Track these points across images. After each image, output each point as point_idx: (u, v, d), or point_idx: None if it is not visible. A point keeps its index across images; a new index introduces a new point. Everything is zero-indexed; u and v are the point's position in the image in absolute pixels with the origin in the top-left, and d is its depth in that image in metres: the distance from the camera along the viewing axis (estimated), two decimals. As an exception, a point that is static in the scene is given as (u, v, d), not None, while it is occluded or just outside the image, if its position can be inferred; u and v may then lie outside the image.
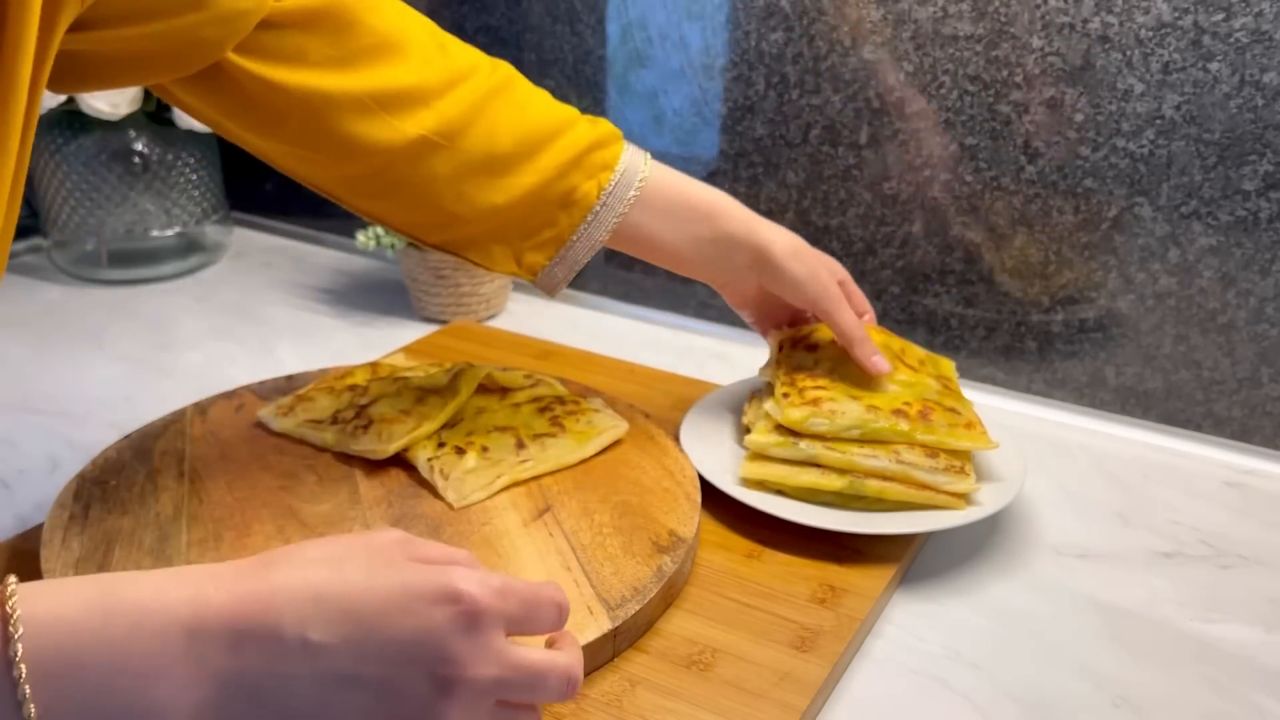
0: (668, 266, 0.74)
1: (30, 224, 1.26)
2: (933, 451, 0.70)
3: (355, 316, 1.10)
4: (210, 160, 1.21)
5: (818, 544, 0.68)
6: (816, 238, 0.99)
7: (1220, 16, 0.77)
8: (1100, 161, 0.84)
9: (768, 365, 0.79)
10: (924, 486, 0.69)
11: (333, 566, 0.41)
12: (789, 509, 0.68)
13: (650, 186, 0.70)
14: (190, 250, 1.23)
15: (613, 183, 0.69)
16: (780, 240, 0.72)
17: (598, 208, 0.68)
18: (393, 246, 1.07)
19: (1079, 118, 0.84)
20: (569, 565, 0.62)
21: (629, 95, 1.06)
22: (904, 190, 0.94)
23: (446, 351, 0.98)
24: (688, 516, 0.67)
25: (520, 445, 0.72)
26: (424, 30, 0.66)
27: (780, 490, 0.71)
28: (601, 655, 0.56)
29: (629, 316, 1.12)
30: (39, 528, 0.67)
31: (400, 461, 0.72)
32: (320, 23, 0.61)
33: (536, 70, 1.10)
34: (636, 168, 0.70)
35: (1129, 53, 0.81)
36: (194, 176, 1.19)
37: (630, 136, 1.08)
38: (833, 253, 0.99)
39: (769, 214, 1.01)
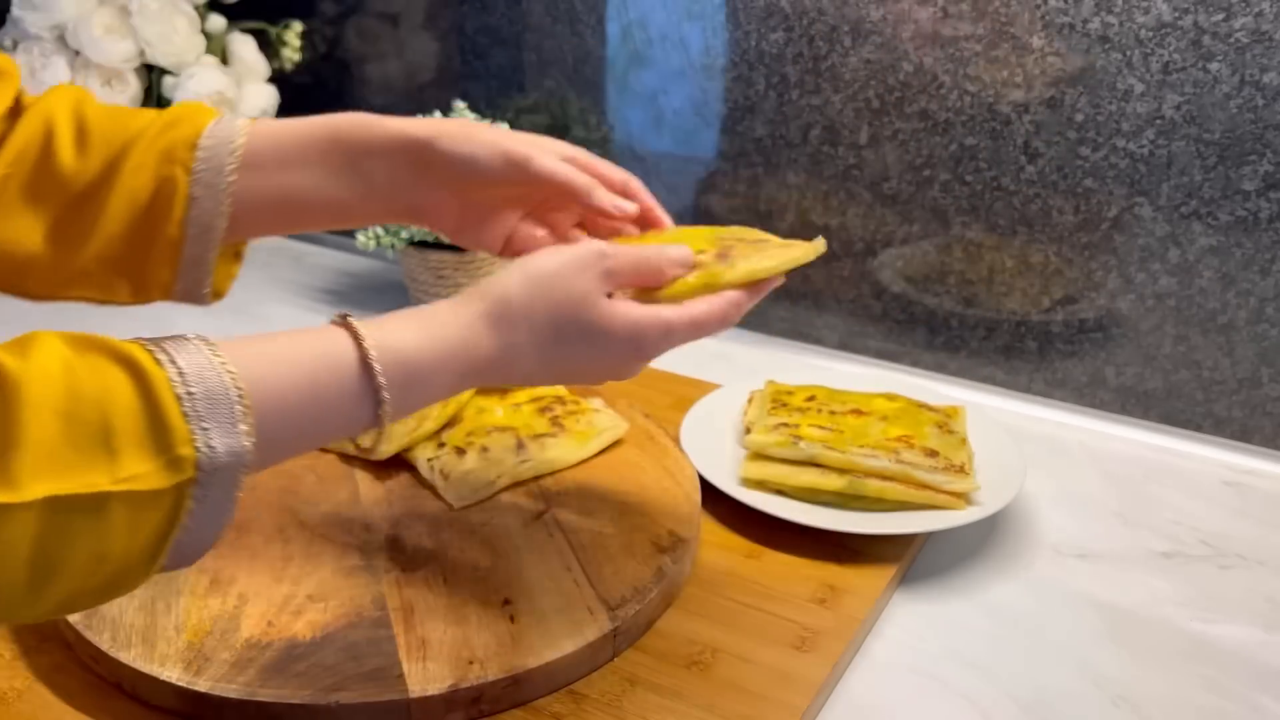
0: (335, 224, 0.63)
1: (30, 224, 1.26)
2: (932, 451, 0.70)
3: (355, 316, 1.09)
4: (210, 160, 1.21)
5: (818, 544, 0.68)
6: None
7: (1220, 16, 0.77)
8: (1100, 161, 0.84)
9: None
10: (924, 486, 0.69)
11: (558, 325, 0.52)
12: (789, 509, 0.68)
13: (254, 146, 0.58)
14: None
15: (202, 160, 0.57)
16: (444, 125, 0.60)
17: (195, 193, 0.57)
18: (393, 246, 1.07)
19: (1079, 118, 0.84)
20: (569, 565, 0.62)
21: (629, 95, 1.06)
22: (904, 190, 0.94)
23: (446, 351, 0.98)
24: (688, 516, 0.67)
25: (520, 445, 0.72)
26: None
27: (780, 490, 0.71)
28: (601, 655, 0.56)
29: (629, 316, 1.11)
30: (39, 528, 0.67)
31: (400, 461, 0.72)
32: None
33: (537, 70, 1.10)
34: (230, 135, 0.58)
35: (1129, 53, 0.81)
36: (194, 176, 1.19)
37: (630, 136, 1.08)
38: (832, 253, 0.99)
39: (769, 214, 1.01)
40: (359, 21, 1.22)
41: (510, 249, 0.64)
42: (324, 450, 0.74)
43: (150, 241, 0.58)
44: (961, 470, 0.69)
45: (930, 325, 0.97)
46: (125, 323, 1.06)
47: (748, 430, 0.76)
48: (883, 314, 0.98)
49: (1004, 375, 0.95)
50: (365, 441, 0.72)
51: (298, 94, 1.24)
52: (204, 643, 0.55)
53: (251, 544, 0.63)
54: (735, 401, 0.83)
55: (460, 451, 0.71)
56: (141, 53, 1.04)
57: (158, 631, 0.55)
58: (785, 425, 0.73)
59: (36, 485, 0.37)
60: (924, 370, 0.98)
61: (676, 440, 0.76)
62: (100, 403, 0.40)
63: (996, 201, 0.90)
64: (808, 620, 0.61)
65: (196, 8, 1.09)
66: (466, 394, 0.78)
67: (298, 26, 1.18)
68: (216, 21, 1.11)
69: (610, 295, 0.53)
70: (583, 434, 0.74)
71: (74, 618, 0.56)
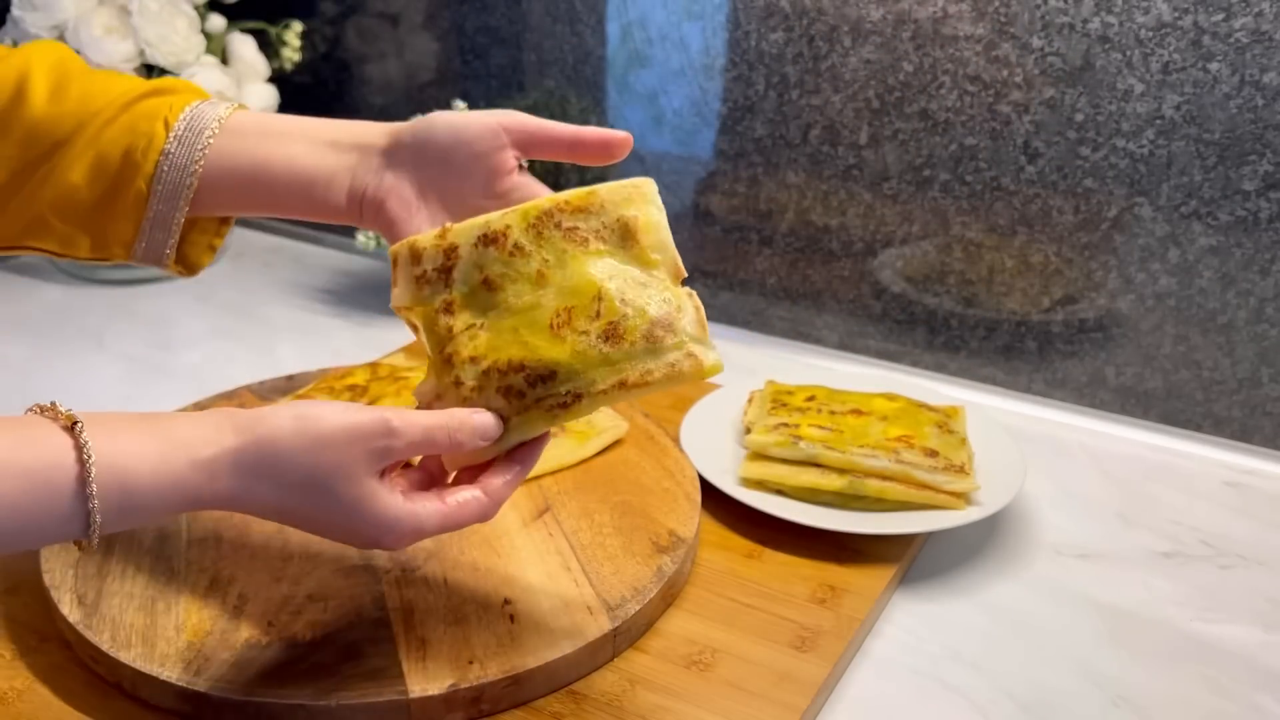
0: (304, 210, 0.59)
1: (30, 224, 1.26)
2: (932, 451, 0.70)
3: (355, 316, 1.09)
4: (210, 160, 1.21)
5: (818, 544, 0.68)
6: (816, 237, 0.99)
7: (1220, 16, 0.77)
8: (1100, 161, 0.84)
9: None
10: (924, 486, 0.69)
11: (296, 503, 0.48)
12: (789, 509, 0.68)
13: (241, 116, 0.59)
14: (190, 250, 1.23)
15: (184, 120, 0.57)
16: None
17: (169, 149, 0.56)
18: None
19: (1079, 118, 0.84)
20: (569, 565, 0.62)
21: (629, 95, 1.06)
22: (904, 190, 0.94)
23: (446, 351, 0.98)
24: (688, 516, 0.67)
25: (520, 445, 0.72)
26: None
27: (780, 490, 0.71)
28: (601, 655, 0.56)
29: (629, 316, 1.12)
30: (39, 528, 0.67)
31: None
32: None
33: (537, 70, 1.10)
34: (215, 110, 0.58)
35: (1129, 53, 0.81)
36: (194, 176, 1.19)
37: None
38: (832, 253, 0.99)
39: (769, 214, 1.01)
40: (359, 21, 1.22)
41: None
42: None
43: (115, 195, 0.57)
44: (961, 470, 0.69)
45: (930, 325, 0.97)
46: (125, 322, 1.05)
47: (748, 430, 0.76)
48: (883, 314, 0.98)
49: (1004, 375, 0.95)
50: None
51: (298, 94, 1.24)
52: (204, 643, 0.55)
53: (251, 544, 0.63)
54: (735, 401, 0.83)
55: (460, 451, 0.71)
56: (141, 53, 1.04)
57: (158, 631, 0.55)
58: (785, 425, 0.73)
59: None
60: (924, 370, 0.98)
61: (676, 440, 0.76)
62: None
63: (996, 201, 0.90)
64: (808, 620, 0.61)
65: (196, 8, 1.09)
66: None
67: (298, 26, 1.18)
68: (216, 21, 1.11)
69: (383, 474, 0.48)
70: (582, 434, 0.74)
71: (74, 618, 0.56)
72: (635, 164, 1.07)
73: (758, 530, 0.69)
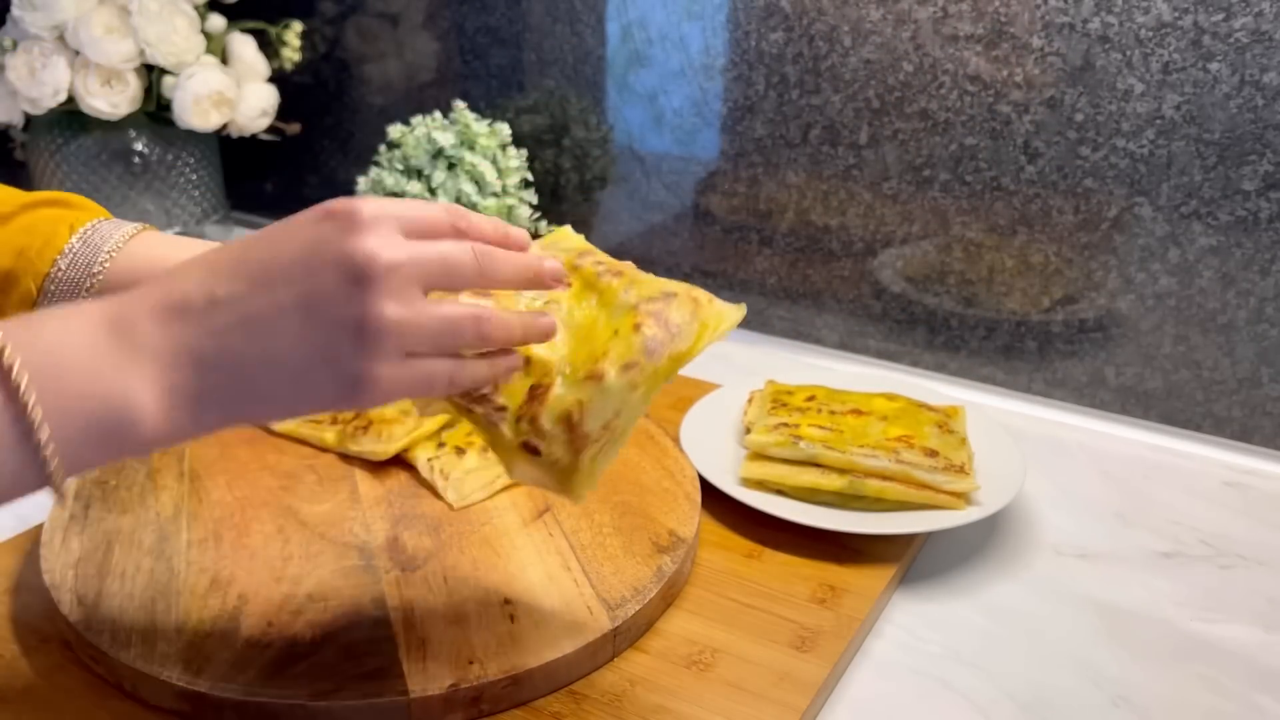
0: None
1: (30, 224, 1.26)
2: (932, 451, 0.70)
3: None
4: (210, 160, 1.21)
5: (818, 544, 0.68)
6: (816, 237, 0.99)
7: (1220, 16, 0.77)
8: (1100, 161, 0.84)
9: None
10: (924, 486, 0.69)
11: (228, 246, 0.43)
12: (789, 509, 0.68)
13: (147, 236, 0.55)
14: (190, 250, 1.23)
15: (89, 229, 0.54)
16: None
17: (73, 245, 0.53)
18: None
19: (1079, 118, 0.84)
20: (569, 565, 0.62)
21: (629, 95, 1.06)
22: (904, 190, 0.94)
23: (446, 351, 0.98)
24: (688, 516, 0.67)
25: (520, 445, 0.72)
26: None
27: (780, 490, 0.71)
28: (601, 655, 0.56)
29: (629, 316, 1.11)
30: (39, 528, 0.67)
31: (400, 461, 0.72)
32: None
33: (537, 70, 1.10)
34: (120, 227, 0.55)
35: (1129, 53, 0.81)
36: (194, 176, 1.19)
37: (630, 136, 1.08)
38: (832, 253, 0.99)
39: (769, 214, 1.01)
40: (359, 21, 1.22)
41: None
42: (323, 449, 0.74)
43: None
44: (961, 470, 0.69)
45: (930, 325, 0.97)
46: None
47: (748, 430, 0.76)
48: (883, 314, 0.98)
49: (1004, 375, 0.95)
50: (366, 443, 0.72)
51: (298, 94, 1.24)
52: (204, 643, 0.55)
53: (251, 544, 0.63)
54: (735, 401, 0.83)
55: (460, 451, 0.71)
56: (141, 53, 1.04)
57: (158, 631, 0.55)
58: (785, 425, 0.73)
59: None
60: (924, 370, 0.98)
61: (676, 440, 0.76)
62: None
63: (996, 201, 0.90)
64: (808, 620, 0.61)
65: (196, 8, 1.09)
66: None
67: (298, 26, 1.18)
68: (216, 21, 1.11)
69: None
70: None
71: (74, 618, 0.56)
72: (636, 164, 1.07)
73: (758, 530, 0.69)
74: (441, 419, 0.74)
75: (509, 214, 1.01)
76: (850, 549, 0.67)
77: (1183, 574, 0.69)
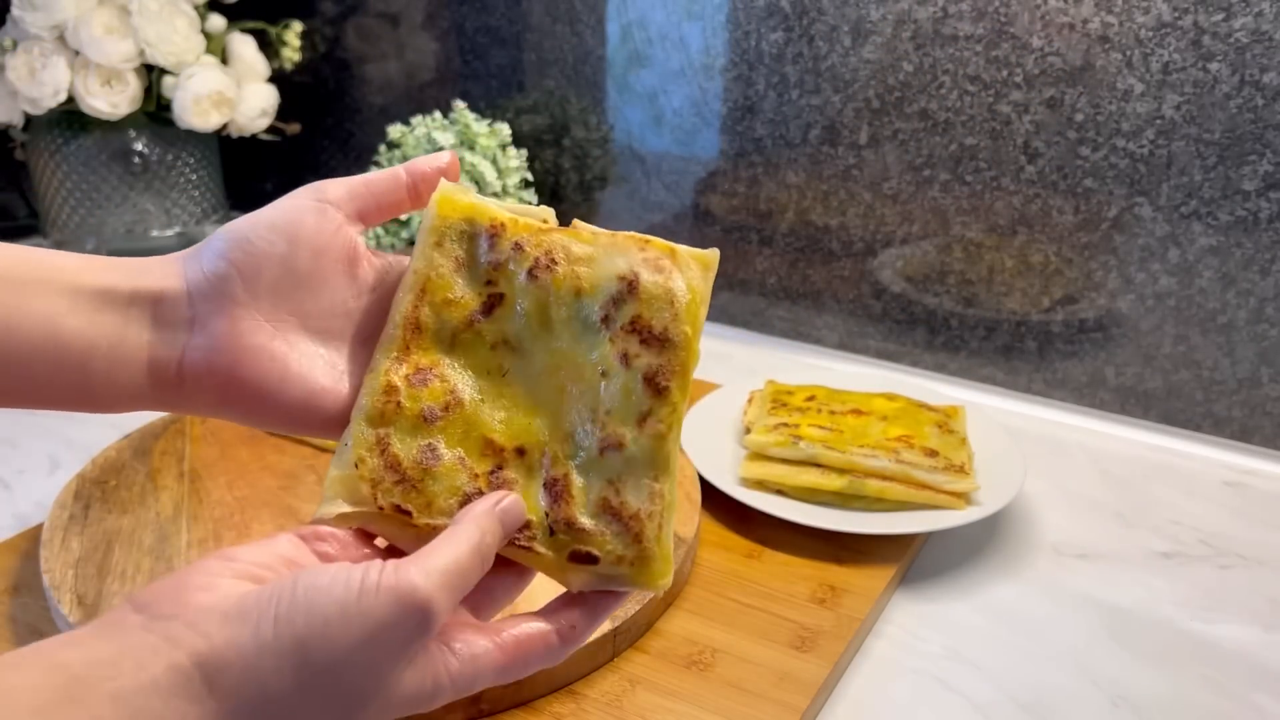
0: (71, 402, 0.40)
1: (30, 224, 1.26)
2: (932, 451, 0.70)
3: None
4: (210, 160, 1.21)
5: (818, 544, 0.68)
6: (816, 237, 0.99)
7: (1220, 16, 0.77)
8: (1100, 161, 0.84)
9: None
10: (924, 486, 0.69)
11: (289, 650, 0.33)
12: (789, 509, 0.68)
13: None
14: (190, 250, 1.23)
15: None
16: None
17: None
18: (392, 246, 1.07)
19: (1079, 118, 0.84)
20: (569, 565, 0.62)
21: (629, 95, 1.06)
22: (904, 190, 0.94)
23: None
24: (688, 516, 0.67)
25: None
26: None
27: (780, 490, 0.71)
28: (601, 655, 0.56)
29: (629, 316, 1.11)
30: (39, 528, 0.67)
31: (400, 461, 0.72)
32: None
33: (537, 70, 1.10)
34: None
35: (1129, 53, 0.81)
36: (194, 176, 1.19)
37: (630, 136, 1.08)
38: (832, 253, 0.99)
39: (769, 214, 1.01)
40: (359, 21, 1.22)
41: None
42: (323, 449, 0.74)
43: None
44: (961, 470, 0.69)
45: (930, 325, 0.97)
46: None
47: (748, 430, 0.76)
48: (883, 314, 0.98)
49: (1004, 375, 0.95)
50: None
51: (298, 94, 1.24)
52: (204, 643, 0.55)
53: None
54: (735, 401, 0.83)
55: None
56: (141, 53, 1.04)
57: (158, 631, 0.55)
58: (785, 425, 0.73)
59: None
60: (924, 370, 0.98)
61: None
62: None
63: (996, 201, 0.90)
64: (808, 620, 0.61)
65: (196, 8, 1.09)
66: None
67: (298, 26, 1.18)
68: (216, 21, 1.11)
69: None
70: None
71: (74, 618, 0.56)
72: (635, 164, 1.07)
73: (758, 530, 0.69)
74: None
75: (509, 214, 1.01)
76: (850, 549, 0.67)
77: (1183, 574, 0.69)
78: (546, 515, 0.39)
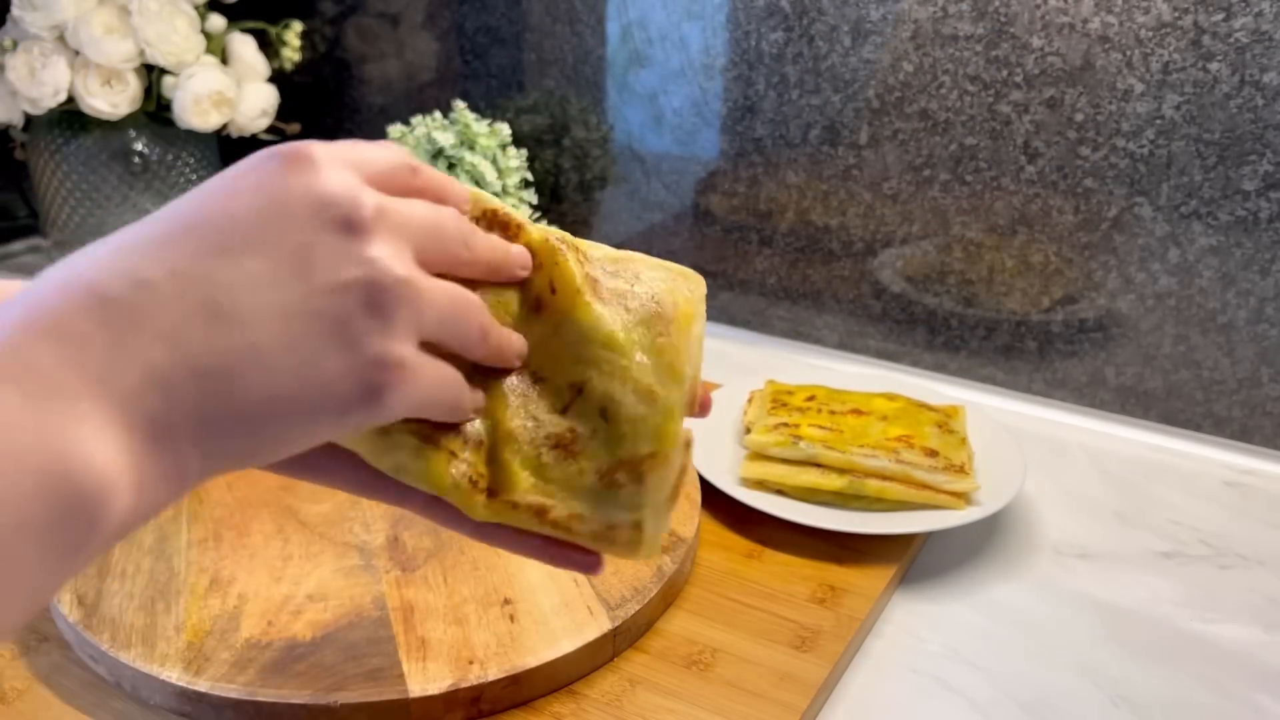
0: None
1: (30, 224, 1.26)
2: (932, 451, 0.70)
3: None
4: (210, 160, 1.21)
5: (818, 544, 0.68)
6: (816, 237, 0.99)
7: (1220, 16, 0.77)
8: (1100, 161, 0.84)
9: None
10: (924, 486, 0.69)
11: (143, 220, 0.31)
12: (789, 509, 0.68)
13: None
14: (190, 250, 1.22)
15: None
16: None
17: None
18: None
19: (1079, 118, 0.84)
20: (569, 565, 0.62)
21: (629, 95, 1.06)
22: (904, 190, 0.94)
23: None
24: (688, 516, 0.67)
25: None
26: None
27: (780, 490, 0.71)
28: (601, 655, 0.56)
29: (629, 316, 1.11)
30: (39, 528, 0.67)
31: (400, 461, 0.72)
32: None
33: (537, 70, 1.10)
34: None
35: (1129, 53, 0.81)
36: (194, 176, 1.19)
37: (630, 136, 1.08)
38: (832, 253, 0.99)
39: (769, 214, 1.01)
40: (359, 21, 1.21)
41: None
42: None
43: None
44: (961, 470, 0.69)
45: (930, 325, 0.97)
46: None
47: (748, 430, 0.76)
48: (883, 314, 0.98)
49: (1004, 375, 0.95)
50: None
51: (298, 94, 1.24)
52: (204, 643, 0.55)
53: (251, 544, 0.63)
54: (735, 401, 0.83)
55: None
56: (141, 53, 1.04)
57: (158, 631, 0.55)
58: (785, 425, 0.73)
59: None
60: (924, 370, 0.98)
61: (676, 440, 0.76)
62: None
63: (996, 201, 0.90)
64: (808, 620, 0.61)
65: (196, 8, 1.09)
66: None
67: (298, 26, 1.18)
68: (216, 21, 1.11)
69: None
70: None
71: (74, 617, 0.56)
72: (636, 164, 1.07)
73: (758, 530, 0.69)
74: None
75: (509, 214, 1.01)
76: (850, 549, 0.67)
77: (1182, 574, 0.69)
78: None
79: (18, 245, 1.24)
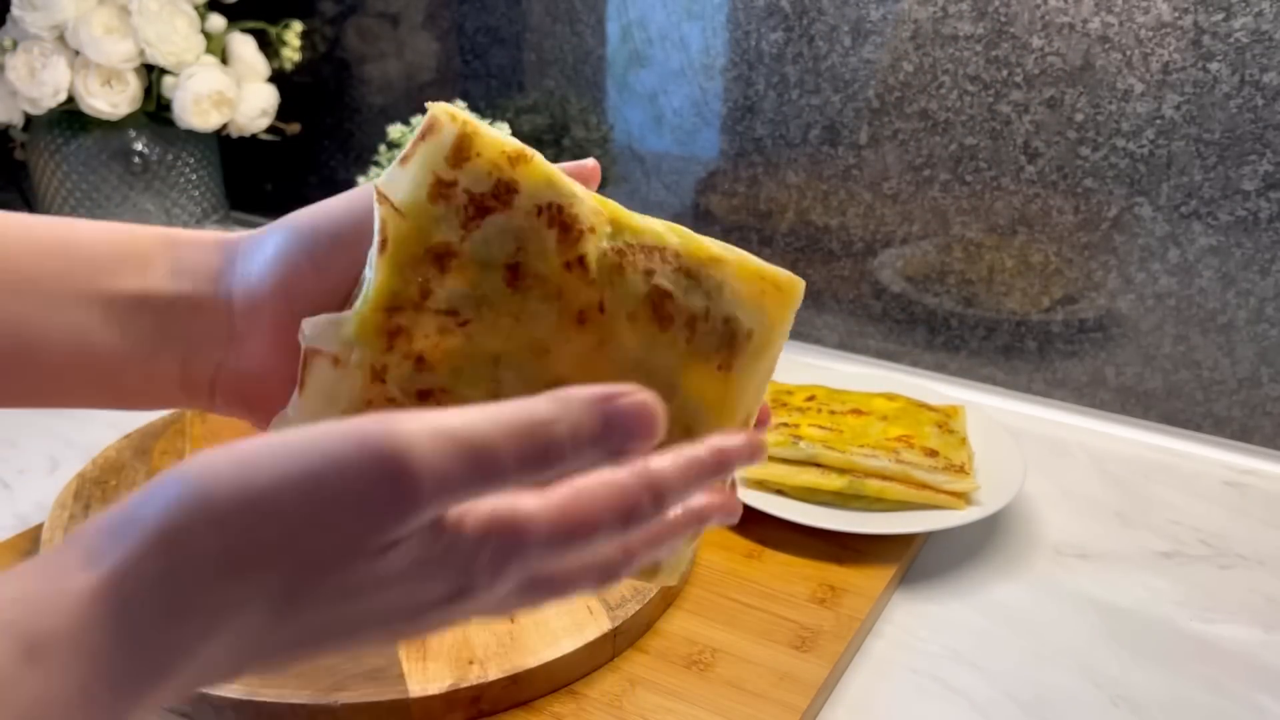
0: (104, 402, 0.39)
1: (30, 224, 1.26)
2: (932, 451, 0.70)
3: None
4: (210, 160, 1.21)
5: (818, 544, 0.68)
6: (816, 237, 0.99)
7: (1220, 16, 0.77)
8: (1100, 161, 0.84)
9: None
10: (924, 486, 0.69)
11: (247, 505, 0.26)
12: (789, 509, 0.68)
13: None
14: (190, 250, 1.22)
15: None
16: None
17: None
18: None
19: (1079, 118, 0.84)
20: (569, 565, 0.62)
21: (629, 95, 1.06)
22: (904, 190, 0.94)
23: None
24: (688, 516, 0.67)
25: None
26: None
27: (780, 490, 0.71)
28: (601, 655, 0.56)
29: (629, 316, 1.11)
30: (39, 528, 0.67)
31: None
32: None
33: (537, 70, 1.10)
34: None
35: (1129, 53, 0.81)
36: (194, 176, 1.19)
37: (630, 136, 1.08)
38: (832, 253, 0.99)
39: (769, 214, 1.01)
40: (359, 21, 1.21)
41: None
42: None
43: None
44: (961, 470, 0.69)
45: (930, 325, 0.97)
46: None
47: (748, 430, 0.76)
48: (883, 314, 0.98)
49: (1004, 375, 0.95)
50: None
51: (298, 94, 1.24)
52: (204, 643, 0.55)
53: (251, 544, 0.63)
54: (735, 401, 0.83)
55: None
56: (141, 53, 1.04)
57: (158, 631, 0.55)
58: (785, 425, 0.73)
59: None
60: (924, 370, 0.98)
61: (676, 440, 0.76)
62: None
63: (996, 201, 0.90)
64: (808, 620, 0.61)
65: (196, 7, 1.09)
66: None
67: (298, 26, 1.18)
68: (216, 21, 1.11)
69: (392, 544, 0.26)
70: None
71: (74, 618, 0.56)
72: (635, 164, 1.07)
73: (758, 530, 0.69)
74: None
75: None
76: (850, 549, 0.67)
77: (1183, 574, 0.69)
78: None
79: (18, 245, 1.24)
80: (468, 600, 0.27)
